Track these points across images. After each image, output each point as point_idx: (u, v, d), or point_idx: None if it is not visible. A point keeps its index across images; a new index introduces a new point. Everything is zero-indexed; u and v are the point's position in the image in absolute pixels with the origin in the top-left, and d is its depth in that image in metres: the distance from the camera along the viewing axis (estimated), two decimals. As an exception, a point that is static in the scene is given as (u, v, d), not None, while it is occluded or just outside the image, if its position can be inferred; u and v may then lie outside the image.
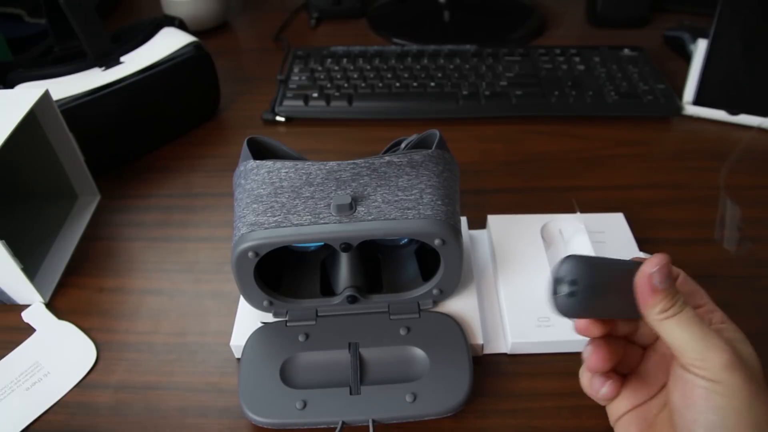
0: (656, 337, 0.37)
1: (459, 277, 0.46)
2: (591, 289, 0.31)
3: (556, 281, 0.32)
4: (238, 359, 0.47)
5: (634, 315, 0.33)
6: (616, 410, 0.37)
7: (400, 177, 0.44)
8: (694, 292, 0.36)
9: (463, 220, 0.54)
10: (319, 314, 0.47)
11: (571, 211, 0.55)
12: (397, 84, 0.74)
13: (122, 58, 0.65)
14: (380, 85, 0.74)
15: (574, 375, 0.37)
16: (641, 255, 0.40)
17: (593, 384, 0.36)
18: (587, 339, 0.35)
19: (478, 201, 0.59)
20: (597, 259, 0.33)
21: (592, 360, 0.34)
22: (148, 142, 0.68)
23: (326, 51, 0.81)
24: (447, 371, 0.43)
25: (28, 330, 0.50)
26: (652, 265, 0.32)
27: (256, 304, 0.46)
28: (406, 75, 0.76)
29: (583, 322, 0.34)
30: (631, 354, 0.37)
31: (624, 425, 0.36)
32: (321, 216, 0.42)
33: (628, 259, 0.35)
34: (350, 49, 0.81)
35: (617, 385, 0.35)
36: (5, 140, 0.47)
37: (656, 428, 0.35)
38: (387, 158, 0.45)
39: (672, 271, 0.33)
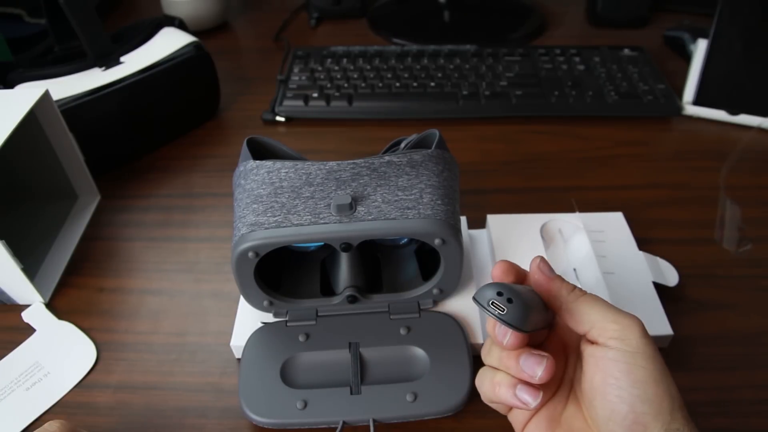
0: (545, 337, 0.38)
1: (459, 277, 0.46)
2: (515, 291, 0.33)
3: (491, 303, 0.33)
4: (239, 359, 0.47)
5: (546, 324, 0.36)
6: (519, 418, 0.37)
7: (400, 177, 0.44)
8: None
9: (463, 219, 0.54)
10: (319, 314, 0.47)
11: (571, 210, 0.55)
12: (397, 84, 0.74)
13: (122, 58, 0.65)
14: (380, 85, 0.74)
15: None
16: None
17: (520, 396, 0.34)
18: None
19: (478, 201, 0.59)
20: (497, 282, 0.35)
21: (548, 372, 0.33)
22: (148, 142, 0.68)
23: (326, 51, 0.81)
24: (447, 371, 0.43)
25: (28, 330, 0.50)
26: (537, 260, 0.37)
27: (256, 304, 0.46)
28: (406, 75, 0.76)
29: (519, 336, 0.34)
30: None
31: (532, 430, 0.37)
32: (321, 216, 0.42)
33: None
34: (350, 49, 0.81)
35: (544, 393, 0.34)
36: (5, 140, 0.47)
37: (564, 425, 0.36)
38: (387, 158, 0.45)
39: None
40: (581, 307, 0.34)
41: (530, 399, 0.33)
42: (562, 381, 0.37)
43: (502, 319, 0.32)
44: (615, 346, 0.32)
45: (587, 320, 0.34)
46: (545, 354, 0.34)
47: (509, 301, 0.32)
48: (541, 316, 0.35)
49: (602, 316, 0.33)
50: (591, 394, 0.34)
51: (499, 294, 0.33)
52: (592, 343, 0.34)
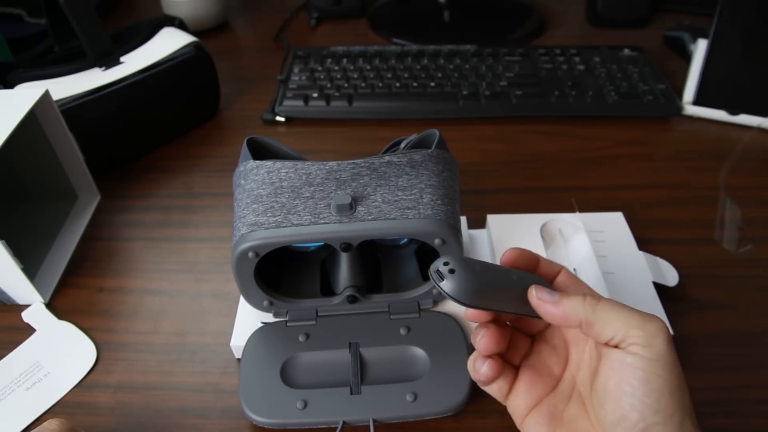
0: (545, 327, 0.39)
1: (459, 277, 0.46)
2: (467, 265, 0.33)
3: (436, 272, 0.33)
4: (239, 359, 0.47)
5: (534, 314, 0.35)
6: (517, 408, 0.37)
7: (400, 177, 0.44)
8: (579, 282, 0.37)
9: (463, 219, 0.54)
10: (319, 314, 0.47)
11: (571, 210, 0.55)
12: (397, 84, 0.74)
13: (122, 58, 0.65)
14: (380, 85, 0.74)
15: (574, 375, 0.37)
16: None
17: (476, 365, 0.37)
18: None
19: (478, 201, 0.59)
20: (465, 257, 0.35)
21: (483, 343, 0.36)
22: (148, 142, 0.68)
23: (326, 51, 0.81)
24: (447, 371, 0.43)
25: (28, 330, 0.50)
26: (533, 292, 0.35)
27: (256, 304, 0.46)
28: (406, 75, 0.76)
29: (470, 308, 0.35)
30: (519, 342, 0.38)
31: (532, 425, 0.36)
32: (321, 216, 0.42)
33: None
34: (350, 49, 0.81)
35: (496, 365, 0.36)
36: (5, 140, 0.47)
37: (567, 424, 0.35)
38: (387, 158, 0.45)
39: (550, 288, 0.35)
40: (601, 316, 0.33)
41: (481, 366, 0.36)
42: (562, 377, 0.37)
43: (439, 287, 0.33)
44: (636, 352, 0.31)
45: (610, 330, 0.32)
46: (488, 325, 0.36)
47: (451, 271, 0.33)
48: (510, 298, 0.35)
49: (625, 322, 0.32)
50: (603, 396, 0.33)
51: (446, 264, 0.33)
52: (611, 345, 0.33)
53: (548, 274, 0.38)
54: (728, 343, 0.47)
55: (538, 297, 0.35)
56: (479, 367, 0.36)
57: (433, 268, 0.34)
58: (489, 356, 0.36)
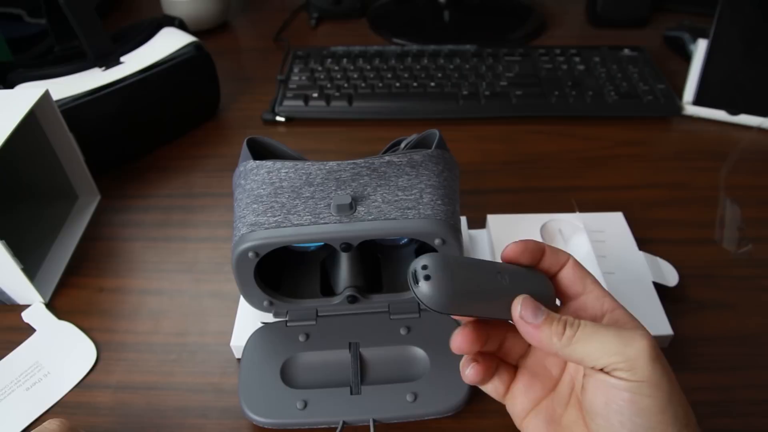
0: None
1: (459, 277, 0.46)
2: (447, 269, 0.31)
3: (412, 274, 0.31)
4: (239, 359, 0.47)
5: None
6: (515, 410, 0.36)
7: (400, 177, 0.44)
8: (584, 276, 0.36)
9: (463, 219, 0.54)
10: (319, 314, 0.47)
11: (571, 210, 0.55)
12: (397, 84, 0.74)
13: (122, 58, 0.65)
14: (380, 85, 0.74)
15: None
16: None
17: (463, 366, 0.36)
18: None
19: (478, 201, 0.59)
20: (451, 255, 0.33)
21: (456, 341, 0.34)
22: (149, 142, 0.68)
23: (326, 51, 0.81)
24: (447, 371, 0.43)
25: (28, 330, 0.50)
26: (518, 308, 0.32)
27: (256, 304, 0.46)
28: (406, 75, 0.76)
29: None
30: (516, 339, 0.37)
31: (531, 428, 0.36)
32: (321, 216, 0.42)
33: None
34: (350, 49, 0.81)
35: (483, 368, 0.35)
36: (5, 140, 0.47)
37: (565, 429, 0.35)
38: (387, 158, 0.45)
39: (539, 305, 0.32)
40: (577, 349, 0.31)
41: (465, 369, 0.35)
42: (560, 379, 0.36)
43: (413, 291, 0.31)
44: (620, 377, 0.30)
45: (589, 361, 0.31)
46: (466, 324, 0.35)
47: (426, 278, 0.30)
48: (494, 306, 0.33)
49: (604, 351, 0.30)
50: (591, 413, 0.32)
51: (424, 267, 0.31)
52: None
53: (553, 267, 0.36)
54: (728, 343, 0.47)
55: (520, 315, 0.32)
56: (464, 370, 0.35)
57: (411, 268, 0.31)
58: (475, 359, 0.35)
